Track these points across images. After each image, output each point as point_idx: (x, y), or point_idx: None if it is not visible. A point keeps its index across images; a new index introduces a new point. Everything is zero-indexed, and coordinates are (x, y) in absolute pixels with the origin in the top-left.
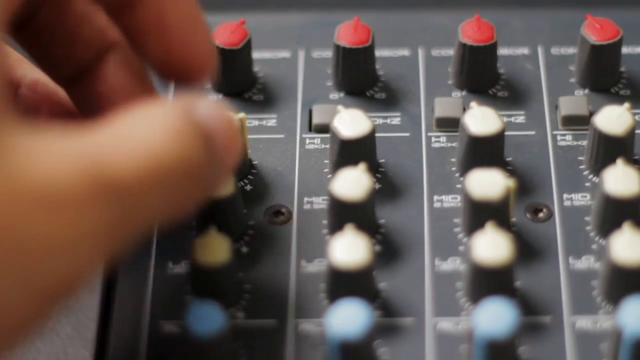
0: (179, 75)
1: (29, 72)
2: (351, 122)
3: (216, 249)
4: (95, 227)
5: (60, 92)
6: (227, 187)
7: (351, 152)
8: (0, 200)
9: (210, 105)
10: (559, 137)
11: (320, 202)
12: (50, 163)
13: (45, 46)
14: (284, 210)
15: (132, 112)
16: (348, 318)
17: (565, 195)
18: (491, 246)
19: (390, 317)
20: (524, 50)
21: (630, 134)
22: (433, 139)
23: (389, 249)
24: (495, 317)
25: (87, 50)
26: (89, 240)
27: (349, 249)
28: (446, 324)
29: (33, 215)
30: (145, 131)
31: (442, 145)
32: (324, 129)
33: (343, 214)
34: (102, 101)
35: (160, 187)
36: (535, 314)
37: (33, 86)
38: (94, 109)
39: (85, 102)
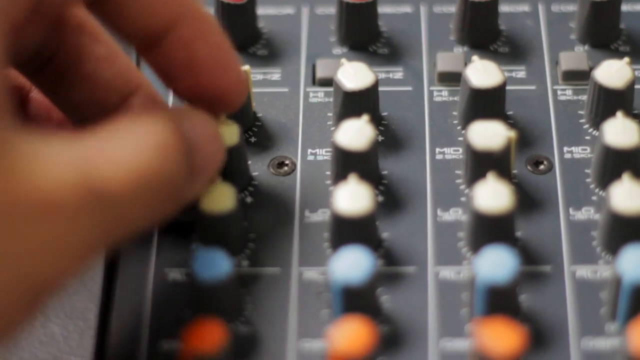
0: (209, 106)
1: None
2: (354, 75)
3: (221, 197)
4: (82, 234)
5: None
6: (232, 138)
7: (354, 104)
8: None
9: (197, 120)
10: (559, 92)
11: (323, 154)
12: (44, 170)
13: (66, 89)
14: (287, 161)
15: (122, 122)
16: (351, 264)
17: (565, 148)
18: (492, 195)
19: (393, 266)
20: (525, 7)
21: (630, 87)
22: (435, 93)
23: (392, 200)
24: (496, 263)
25: (110, 93)
26: (76, 245)
27: (352, 197)
28: (448, 273)
29: (23, 220)
30: (132, 143)
31: (444, 99)
32: (328, 82)
33: (346, 164)
34: None
35: (142, 198)
36: (536, 263)
37: (21, 100)
38: None
39: None
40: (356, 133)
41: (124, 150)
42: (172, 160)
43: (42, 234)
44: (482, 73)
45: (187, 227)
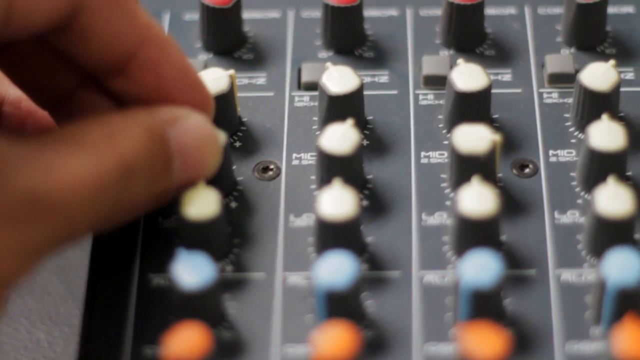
0: None
1: (12, 89)
2: (339, 79)
3: (205, 202)
4: (29, 240)
5: None
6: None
7: (339, 108)
8: None
9: (187, 125)
10: (545, 95)
11: (308, 158)
12: (6, 180)
13: (23, 73)
14: (272, 166)
15: (89, 126)
16: (335, 269)
17: (551, 152)
18: (477, 199)
19: (377, 270)
20: (511, 10)
21: (616, 90)
22: (420, 97)
23: (377, 204)
24: (480, 267)
25: (69, 77)
26: (23, 249)
27: (337, 201)
28: (432, 277)
29: None
30: (92, 152)
31: (429, 102)
32: (313, 86)
33: (331, 168)
34: None
35: (94, 208)
36: (521, 267)
37: (17, 103)
38: None
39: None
40: (341, 137)
41: (82, 159)
42: (139, 175)
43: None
44: (468, 76)
45: (170, 232)
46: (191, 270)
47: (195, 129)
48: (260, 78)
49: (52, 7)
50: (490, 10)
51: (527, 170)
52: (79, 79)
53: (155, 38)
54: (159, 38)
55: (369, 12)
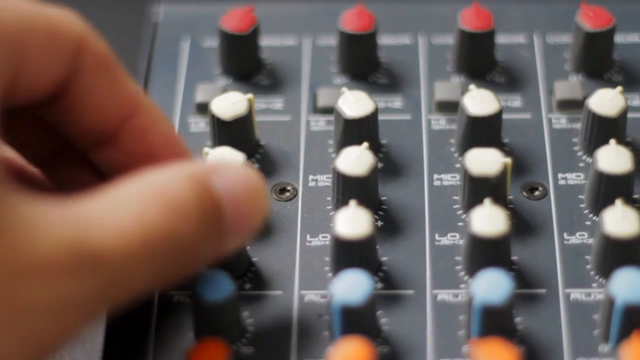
0: None
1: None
2: (355, 103)
3: None
4: (77, 294)
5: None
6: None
7: (354, 131)
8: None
9: (231, 175)
10: (553, 120)
11: (324, 180)
12: (41, 235)
13: (18, 136)
14: (289, 187)
15: (128, 182)
16: (350, 285)
17: (560, 175)
18: (488, 220)
19: (392, 289)
20: (520, 39)
21: (623, 115)
22: (433, 122)
23: (391, 225)
24: (492, 285)
25: (42, 149)
26: (74, 306)
27: (353, 221)
28: (446, 295)
29: (25, 282)
30: (137, 203)
31: (441, 127)
32: (329, 111)
33: (347, 189)
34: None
35: (146, 260)
36: (531, 286)
37: (6, 163)
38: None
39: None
40: (356, 159)
41: (126, 211)
42: (188, 221)
43: (41, 295)
44: (479, 102)
45: None
46: (211, 285)
47: (240, 176)
48: (278, 103)
49: (54, 73)
50: (500, 39)
51: (537, 193)
52: (52, 151)
53: (145, 105)
54: (148, 105)
55: (382, 40)
